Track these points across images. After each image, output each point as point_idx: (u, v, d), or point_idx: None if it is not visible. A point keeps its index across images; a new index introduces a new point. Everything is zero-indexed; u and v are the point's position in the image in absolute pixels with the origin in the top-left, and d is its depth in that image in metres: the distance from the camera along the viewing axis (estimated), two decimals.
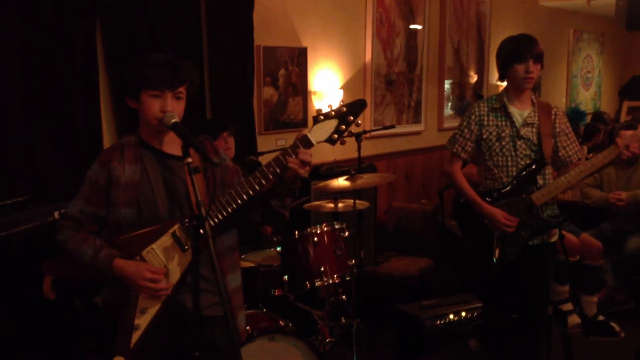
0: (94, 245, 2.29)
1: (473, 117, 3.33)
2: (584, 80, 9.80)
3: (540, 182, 3.24)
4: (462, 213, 3.48)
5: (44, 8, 3.47)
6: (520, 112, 3.27)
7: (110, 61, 3.85)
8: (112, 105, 3.91)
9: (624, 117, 10.07)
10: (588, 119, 8.31)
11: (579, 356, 4.08)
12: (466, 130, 3.34)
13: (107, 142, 3.81)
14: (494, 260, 3.25)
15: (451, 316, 4.08)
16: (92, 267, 2.28)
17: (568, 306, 4.41)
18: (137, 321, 2.22)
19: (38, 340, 3.21)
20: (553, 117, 3.28)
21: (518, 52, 3.19)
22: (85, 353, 3.32)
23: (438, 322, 4.03)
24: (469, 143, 3.34)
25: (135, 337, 2.22)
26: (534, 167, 3.22)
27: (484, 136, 3.29)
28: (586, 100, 9.87)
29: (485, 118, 3.30)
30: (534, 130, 3.25)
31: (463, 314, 4.10)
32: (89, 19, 3.70)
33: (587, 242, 4.62)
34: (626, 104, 10.39)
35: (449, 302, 4.20)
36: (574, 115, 8.26)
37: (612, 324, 4.42)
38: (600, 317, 4.47)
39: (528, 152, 3.24)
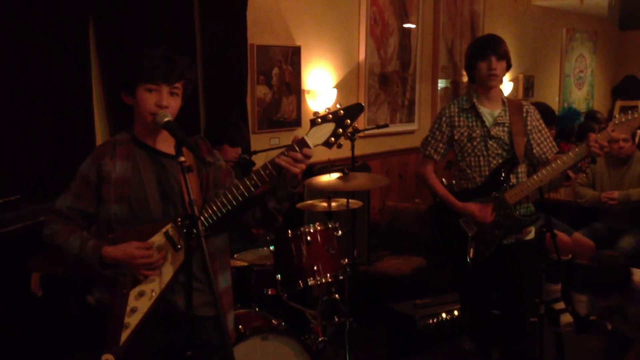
0: (81, 237, 2.26)
1: (444, 118, 3.33)
2: (576, 80, 9.82)
3: (514, 180, 3.24)
4: (436, 214, 3.50)
5: (36, 5, 3.46)
6: (491, 111, 3.27)
7: (103, 59, 3.84)
8: (105, 103, 3.90)
9: None
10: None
11: (571, 355, 4.10)
12: (437, 132, 3.35)
13: (99, 140, 3.80)
14: (468, 260, 3.26)
15: (444, 315, 4.09)
16: (79, 260, 2.24)
17: (560, 305, 4.42)
18: (127, 320, 2.21)
19: (31, 339, 3.20)
20: (524, 114, 3.28)
21: (481, 50, 3.22)
22: (77, 351, 3.32)
23: (431, 321, 4.04)
24: (440, 145, 3.35)
25: (125, 335, 2.21)
26: (505, 166, 3.24)
27: (456, 137, 3.30)
28: (579, 99, 9.89)
29: (456, 119, 3.30)
30: (505, 129, 3.25)
31: (456, 313, 4.11)
32: (81, 17, 3.68)
33: (579, 241, 4.63)
34: (619, 104, 10.42)
35: (442, 301, 4.20)
36: (569, 115, 8.26)
37: (605, 322, 4.43)
38: (593, 317, 4.48)
39: (500, 151, 3.25)
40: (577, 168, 3.72)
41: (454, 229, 3.31)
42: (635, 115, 3.05)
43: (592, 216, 5.06)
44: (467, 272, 3.35)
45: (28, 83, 3.48)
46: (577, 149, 3.12)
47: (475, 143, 3.25)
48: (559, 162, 3.15)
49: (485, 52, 3.20)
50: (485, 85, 3.24)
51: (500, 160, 3.24)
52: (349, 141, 4.23)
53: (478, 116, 3.26)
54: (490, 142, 3.24)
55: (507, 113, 3.27)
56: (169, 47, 2.35)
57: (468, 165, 3.29)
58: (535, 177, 3.19)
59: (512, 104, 3.30)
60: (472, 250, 3.25)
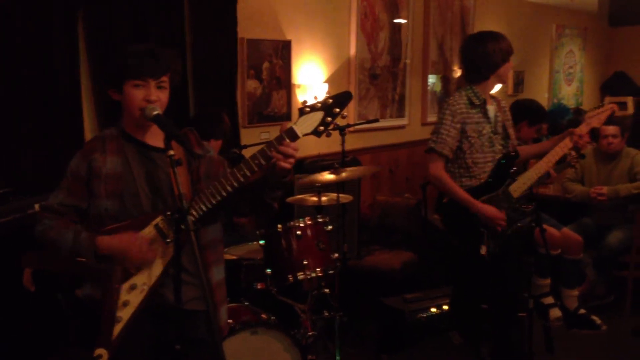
0: (75, 229, 2.25)
1: (456, 115, 3.27)
2: (566, 76, 9.86)
3: None
4: (448, 212, 3.47)
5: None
6: (490, 107, 3.34)
7: (92, 54, 3.81)
8: (94, 98, 3.88)
9: None
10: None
11: (559, 349, 4.12)
12: (452, 129, 3.26)
13: (88, 135, 3.78)
14: (485, 256, 3.25)
15: (433, 309, 4.10)
16: (73, 253, 2.23)
17: (549, 299, 4.45)
18: (119, 314, 2.21)
19: (20, 334, 3.19)
20: (503, 109, 3.41)
21: (511, 49, 3.32)
22: (67, 346, 3.30)
23: (420, 315, 4.05)
24: (455, 142, 3.28)
25: (117, 329, 2.20)
26: (509, 160, 3.27)
27: (467, 133, 3.27)
28: (568, 95, 9.93)
29: (466, 115, 3.28)
30: (501, 124, 3.34)
31: (445, 307, 4.12)
32: (70, 11, 3.66)
33: (567, 236, 4.66)
34: (608, 100, 10.46)
35: (432, 295, 4.22)
36: (559, 111, 8.30)
37: (593, 317, 4.46)
38: (582, 311, 4.51)
39: (500, 147, 3.31)
40: (566, 163, 3.77)
41: (466, 226, 3.30)
42: (605, 107, 3.35)
43: (580, 212, 5.09)
44: (473, 267, 3.37)
45: (17, 77, 3.46)
46: (563, 142, 3.31)
47: (483, 139, 3.27)
48: (552, 153, 3.30)
49: (512, 51, 3.33)
50: (503, 82, 3.39)
51: (499, 156, 3.28)
52: (339, 136, 4.23)
53: (485, 113, 3.29)
54: (494, 138, 3.29)
55: (497, 108, 3.35)
56: (155, 41, 2.35)
57: (475, 162, 3.28)
58: (534, 169, 3.30)
59: (496, 100, 3.41)
60: (485, 247, 3.25)
